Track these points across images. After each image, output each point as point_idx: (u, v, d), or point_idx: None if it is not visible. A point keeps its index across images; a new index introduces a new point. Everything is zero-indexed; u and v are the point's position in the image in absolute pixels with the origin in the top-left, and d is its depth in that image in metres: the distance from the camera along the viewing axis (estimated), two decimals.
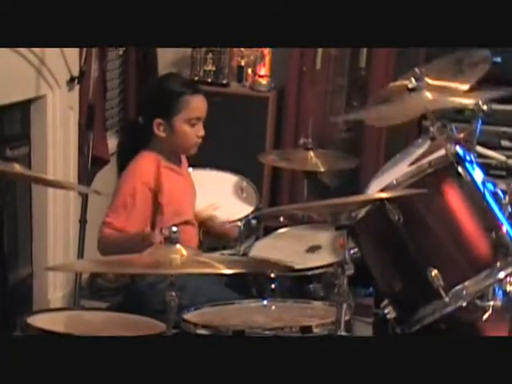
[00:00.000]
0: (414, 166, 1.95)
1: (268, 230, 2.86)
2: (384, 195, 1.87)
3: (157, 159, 2.35)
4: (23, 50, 2.67)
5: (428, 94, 2.03)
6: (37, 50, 2.74)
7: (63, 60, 2.94)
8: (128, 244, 2.17)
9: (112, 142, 3.57)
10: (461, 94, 2.13)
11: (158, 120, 2.34)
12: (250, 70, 3.83)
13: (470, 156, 1.97)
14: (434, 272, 1.84)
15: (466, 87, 2.09)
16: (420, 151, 2.05)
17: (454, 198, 1.93)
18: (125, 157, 2.42)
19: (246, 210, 2.79)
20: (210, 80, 3.80)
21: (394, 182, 1.91)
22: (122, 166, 2.42)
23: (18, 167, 1.91)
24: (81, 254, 3.06)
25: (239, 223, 2.68)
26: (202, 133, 2.39)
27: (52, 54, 2.84)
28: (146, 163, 2.35)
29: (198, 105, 2.38)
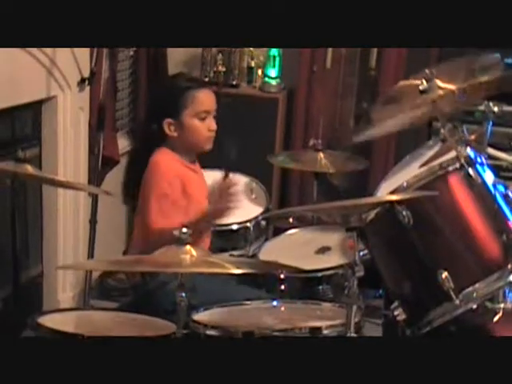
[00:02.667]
0: (424, 168, 1.95)
1: (277, 231, 2.87)
2: (394, 197, 1.87)
3: (174, 156, 2.35)
4: (34, 52, 2.67)
5: (440, 96, 2.02)
6: (48, 51, 2.75)
7: (74, 61, 2.94)
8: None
9: (122, 143, 3.58)
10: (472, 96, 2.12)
11: (168, 120, 2.33)
12: (259, 71, 3.83)
13: (480, 158, 1.97)
14: (445, 274, 1.84)
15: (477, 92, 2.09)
16: (431, 153, 2.04)
17: (464, 200, 1.92)
18: (139, 161, 2.40)
19: (256, 210, 2.79)
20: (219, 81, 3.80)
21: (405, 184, 1.91)
22: (135, 170, 2.40)
23: (30, 168, 1.92)
24: (91, 254, 3.07)
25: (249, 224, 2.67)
26: (213, 127, 2.35)
27: (63, 56, 2.85)
28: (168, 158, 2.33)
29: (204, 98, 2.35)
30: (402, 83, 2.26)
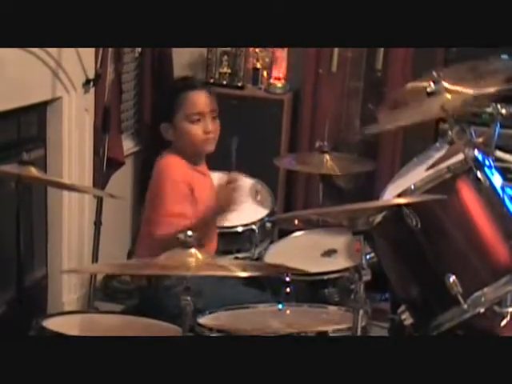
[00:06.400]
0: (431, 171, 1.93)
1: (283, 233, 2.85)
2: (402, 201, 1.86)
3: (180, 160, 2.33)
4: (39, 53, 2.67)
5: (447, 98, 2.00)
6: (53, 52, 2.74)
7: (79, 62, 2.94)
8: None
9: (127, 144, 3.57)
10: (479, 97, 2.11)
11: (164, 124, 2.31)
12: (265, 73, 3.82)
13: (488, 160, 1.95)
14: (452, 278, 1.82)
15: (485, 92, 2.07)
16: (438, 155, 2.03)
17: (472, 203, 1.91)
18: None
19: (261, 212, 2.78)
20: (225, 82, 3.79)
21: (412, 186, 1.89)
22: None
23: (34, 171, 1.91)
24: (95, 256, 3.06)
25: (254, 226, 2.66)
26: (209, 128, 2.29)
27: (68, 57, 2.84)
28: (173, 162, 2.31)
29: (196, 100, 2.29)
30: (409, 86, 2.24)
